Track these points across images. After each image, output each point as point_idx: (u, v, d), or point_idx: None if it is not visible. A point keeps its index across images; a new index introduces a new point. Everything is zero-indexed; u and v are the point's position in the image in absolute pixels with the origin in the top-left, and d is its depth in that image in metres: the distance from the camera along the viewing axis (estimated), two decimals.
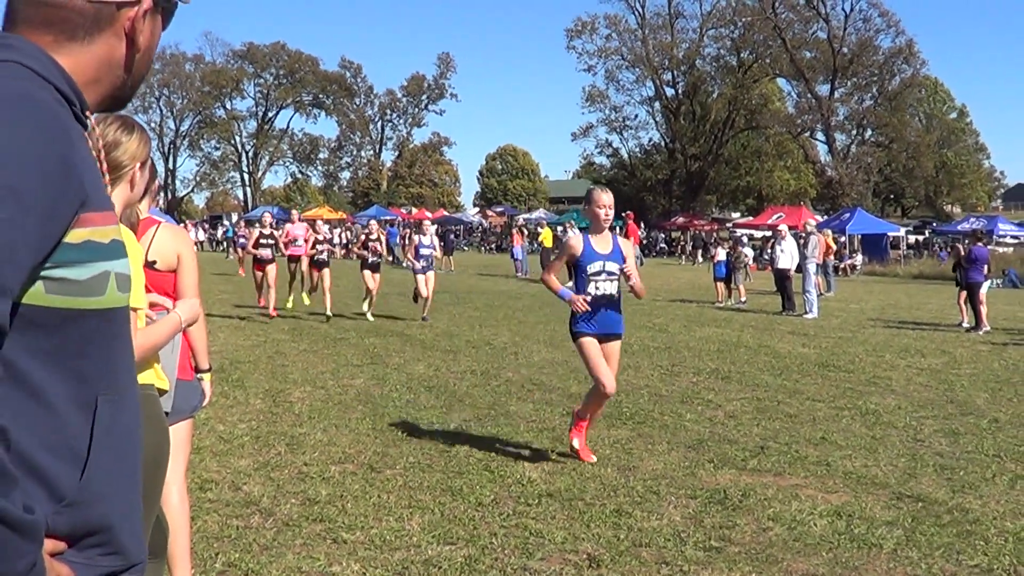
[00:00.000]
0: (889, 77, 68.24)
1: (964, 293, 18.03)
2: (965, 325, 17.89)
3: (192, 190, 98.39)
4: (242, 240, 35.88)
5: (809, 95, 67.92)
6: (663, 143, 76.40)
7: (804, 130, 69.63)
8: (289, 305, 18.79)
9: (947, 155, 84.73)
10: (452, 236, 52.65)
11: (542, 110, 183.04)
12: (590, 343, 7.03)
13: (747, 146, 74.80)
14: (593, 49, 74.34)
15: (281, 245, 18.59)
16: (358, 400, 9.68)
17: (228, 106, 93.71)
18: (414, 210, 72.88)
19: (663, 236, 62.74)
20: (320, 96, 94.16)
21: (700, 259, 49.83)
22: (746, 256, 24.50)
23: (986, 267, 18.01)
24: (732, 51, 71.67)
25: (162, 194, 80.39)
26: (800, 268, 21.02)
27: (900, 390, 10.61)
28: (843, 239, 43.19)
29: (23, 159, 1.22)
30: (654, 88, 74.47)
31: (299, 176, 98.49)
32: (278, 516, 5.81)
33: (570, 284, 8.47)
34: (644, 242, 48.94)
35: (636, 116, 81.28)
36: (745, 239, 28.27)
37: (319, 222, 21.21)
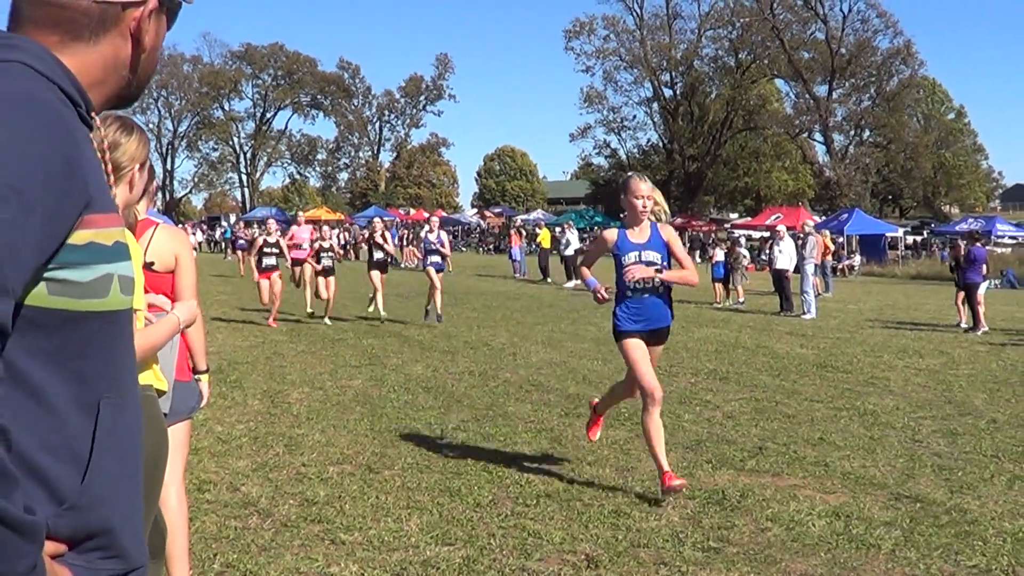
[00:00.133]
0: (887, 78, 68.26)
1: (962, 294, 18.07)
2: (963, 325, 17.91)
3: (190, 191, 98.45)
4: (242, 242, 35.80)
5: (807, 96, 67.94)
6: (661, 144, 76.40)
7: (802, 131, 69.67)
8: (309, 310, 18.46)
9: (945, 156, 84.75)
10: (450, 237, 52.64)
11: (540, 111, 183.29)
12: (634, 345, 6.44)
13: (745, 147, 74.84)
14: (591, 50, 74.43)
15: (285, 250, 18.23)
16: (356, 401, 9.68)
17: (226, 107, 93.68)
18: (412, 211, 72.87)
19: None
20: (318, 97, 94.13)
21: (697, 260, 49.83)
22: (744, 257, 24.51)
23: (984, 267, 18.02)
24: (730, 52, 71.68)
25: (160, 195, 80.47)
26: (798, 269, 21.04)
27: (898, 391, 10.61)
28: (841, 240, 43.21)
29: (27, 160, 1.22)
30: (652, 89, 74.53)
31: (297, 177, 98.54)
32: (276, 517, 5.80)
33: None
34: None
35: (634, 117, 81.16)
36: (743, 240, 28.29)
37: (325, 228, 20.72)
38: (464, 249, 63.56)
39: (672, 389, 10.53)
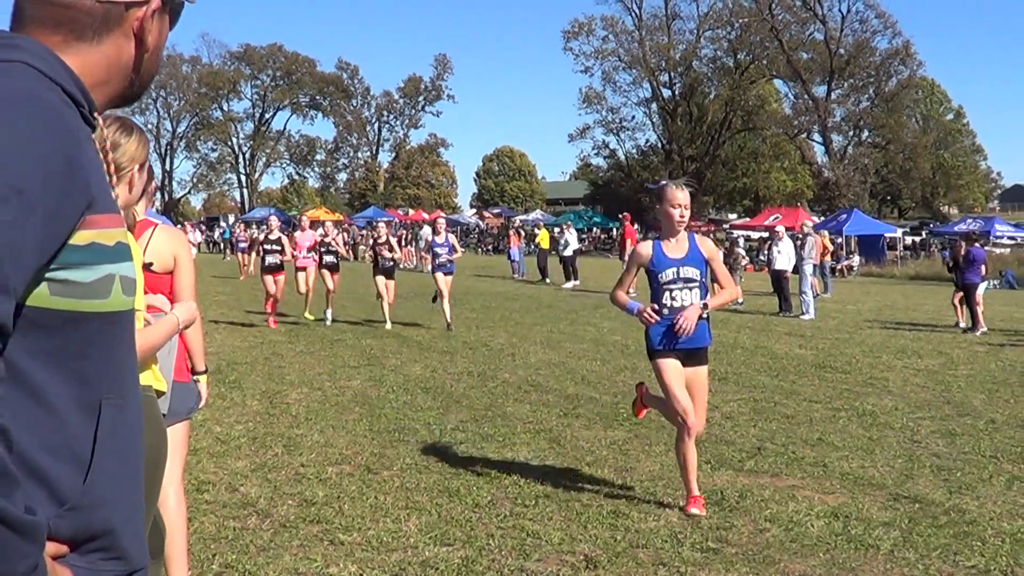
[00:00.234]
0: (886, 78, 68.32)
1: (959, 294, 18.08)
2: (961, 325, 17.92)
3: (189, 192, 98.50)
4: (242, 245, 35.71)
5: (806, 96, 68.03)
6: (660, 144, 76.43)
7: (801, 131, 69.76)
8: (308, 316, 17.82)
9: (944, 156, 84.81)
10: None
11: (539, 111, 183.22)
12: (668, 365, 6.03)
13: (744, 147, 74.89)
14: (590, 50, 74.47)
15: (287, 246, 17.41)
16: (355, 401, 9.68)
17: (225, 107, 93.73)
18: (411, 211, 72.86)
19: None
20: (317, 97, 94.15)
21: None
22: (743, 258, 24.52)
23: (983, 268, 18.03)
24: (729, 52, 71.75)
25: (159, 195, 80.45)
26: (797, 269, 21.04)
27: (897, 391, 10.61)
28: (840, 240, 43.21)
29: (29, 160, 1.22)
30: (651, 89, 74.58)
31: (296, 178, 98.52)
32: (275, 517, 5.80)
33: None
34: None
35: (633, 117, 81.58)
36: (741, 240, 28.29)
37: (329, 224, 20.25)
38: (463, 249, 63.45)
39: None
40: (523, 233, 46.08)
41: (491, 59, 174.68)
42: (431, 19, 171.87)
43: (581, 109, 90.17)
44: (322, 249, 17.86)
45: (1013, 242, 47.28)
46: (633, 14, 73.47)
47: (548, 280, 31.59)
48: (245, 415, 8.92)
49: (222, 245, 55.78)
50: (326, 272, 17.66)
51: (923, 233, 57.41)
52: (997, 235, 46.26)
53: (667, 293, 6.04)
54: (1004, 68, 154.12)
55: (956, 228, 45.51)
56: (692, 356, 6.10)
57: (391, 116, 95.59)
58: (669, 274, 6.04)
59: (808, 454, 7.51)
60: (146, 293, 3.50)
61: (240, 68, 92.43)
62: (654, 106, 75.45)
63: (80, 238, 1.31)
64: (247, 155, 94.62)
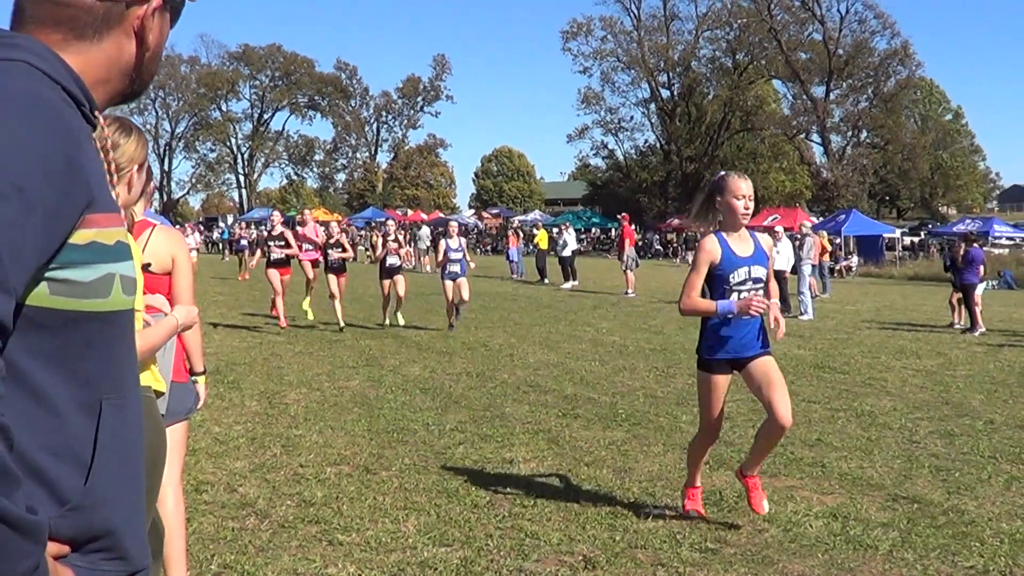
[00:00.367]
0: (884, 79, 68.37)
1: (957, 294, 18.10)
2: (957, 326, 17.94)
3: (188, 192, 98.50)
4: (243, 244, 35.66)
5: (804, 97, 68.08)
6: (658, 145, 76.45)
7: (799, 132, 69.81)
8: (310, 317, 17.04)
9: (942, 157, 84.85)
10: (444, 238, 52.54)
11: (538, 112, 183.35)
12: (720, 385, 5.58)
13: (743, 148, 74.88)
14: (588, 51, 74.52)
15: (292, 241, 16.56)
16: (354, 402, 9.68)
17: (224, 108, 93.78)
18: (409, 212, 72.89)
19: (658, 238, 62.76)
20: (316, 98, 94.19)
21: (691, 261, 49.77)
22: None
23: (981, 268, 18.04)
24: (727, 53, 71.80)
25: (157, 196, 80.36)
26: (796, 270, 21.04)
27: (896, 392, 10.62)
28: (839, 241, 43.25)
29: (29, 159, 1.22)
30: (649, 90, 74.61)
31: (295, 178, 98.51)
32: (274, 518, 5.80)
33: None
34: (640, 244, 48.98)
35: (632, 118, 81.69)
36: None
37: (333, 224, 19.45)
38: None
39: (669, 390, 10.54)
40: (522, 233, 46.05)
41: (490, 59, 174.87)
42: (430, 20, 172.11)
43: (580, 109, 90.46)
44: (327, 250, 16.90)
45: (1012, 242, 47.28)
46: (632, 14, 73.61)
47: (547, 280, 31.59)
48: (244, 415, 8.92)
49: (221, 246, 55.76)
50: (332, 276, 16.58)
51: (922, 234, 57.43)
52: (996, 235, 46.27)
53: (735, 296, 5.44)
54: (1003, 68, 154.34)
55: (955, 228, 45.53)
56: (745, 360, 5.56)
57: (390, 116, 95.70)
58: (741, 274, 5.47)
59: (807, 454, 7.51)
60: (145, 294, 3.51)
61: (239, 68, 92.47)
62: (653, 106, 75.51)
63: (80, 237, 1.31)
64: (246, 155, 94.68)
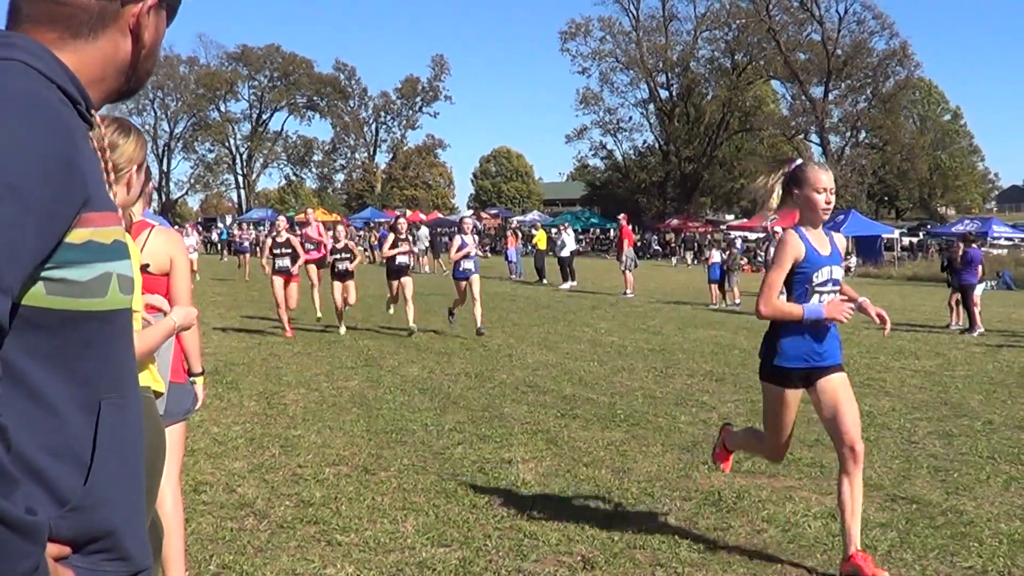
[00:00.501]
0: (883, 79, 68.32)
1: (956, 295, 18.10)
2: (954, 327, 17.94)
3: (186, 192, 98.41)
4: (244, 245, 35.58)
5: (803, 97, 68.07)
6: (657, 145, 76.46)
7: (798, 132, 69.81)
8: (319, 315, 16.64)
9: (941, 157, 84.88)
10: (443, 238, 52.55)
11: (536, 112, 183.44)
12: (793, 399, 5.00)
13: (741, 148, 74.93)
14: (587, 51, 74.50)
15: (299, 249, 15.99)
16: (352, 402, 9.67)
17: (222, 108, 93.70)
18: (408, 212, 72.90)
19: (656, 238, 62.79)
20: (314, 98, 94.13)
21: (690, 261, 49.86)
22: (742, 259, 24.55)
23: (980, 269, 18.05)
24: (726, 53, 71.81)
25: (156, 196, 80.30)
26: None
27: (894, 392, 10.62)
28: None
29: (25, 158, 1.22)
30: (648, 90, 74.61)
31: (293, 178, 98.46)
32: (272, 518, 5.80)
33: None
34: (638, 244, 49.03)
35: (630, 118, 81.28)
36: (739, 241, 28.30)
37: (339, 227, 18.79)
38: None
39: (668, 390, 10.54)
40: (520, 234, 46.08)
41: (488, 60, 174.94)
42: (428, 20, 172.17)
43: (578, 110, 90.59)
44: (335, 256, 16.12)
45: (1010, 243, 47.36)
46: (630, 15, 73.58)
47: (545, 281, 31.61)
48: (242, 416, 8.92)
49: (219, 246, 55.71)
50: (337, 283, 15.97)
51: (920, 234, 57.51)
52: (994, 236, 46.34)
53: (816, 297, 4.94)
54: (1002, 69, 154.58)
55: (953, 229, 45.58)
56: (821, 371, 4.95)
57: (388, 117, 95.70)
58: (824, 273, 4.96)
59: (805, 455, 7.51)
60: (144, 294, 3.51)
61: (237, 69, 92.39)
62: (651, 107, 75.53)
63: (77, 236, 1.30)
64: (244, 156, 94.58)
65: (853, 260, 44.27)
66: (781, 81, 71.76)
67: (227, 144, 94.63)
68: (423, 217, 62.45)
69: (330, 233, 18.08)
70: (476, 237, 16.59)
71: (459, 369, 11.96)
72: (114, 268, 1.37)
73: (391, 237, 16.11)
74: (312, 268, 16.70)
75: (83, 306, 1.33)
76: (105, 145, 1.53)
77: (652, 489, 6.51)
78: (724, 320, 19.35)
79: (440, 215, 73.14)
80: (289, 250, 15.77)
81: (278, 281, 15.53)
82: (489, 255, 47.72)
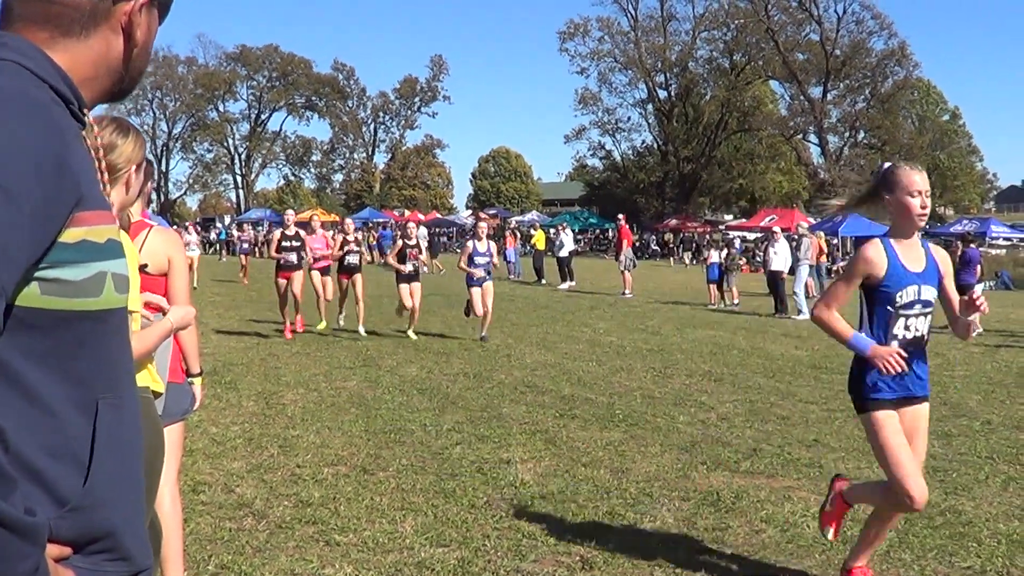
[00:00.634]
0: (882, 79, 68.32)
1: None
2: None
3: (185, 192, 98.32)
4: (244, 246, 35.51)
5: (802, 97, 68.05)
6: (656, 145, 76.39)
7: (797, 132, 69.79)
8: (321, 326, 15.96)
9: (940, 157, 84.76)
10: (441, 238, 52.66)
11: (535, 112, 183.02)
12: (888, 420, 4.35)
13: (740, 148, 74.88)
14: (586, 51, 74.41)
15: (307, 243, 15.68)
16: (351, 402, 9.67)
17: (221, 108, 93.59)
18: (407, 212, 72.88)
19: (655, 238, 62.80)
20: (313, 98, 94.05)
21: (688, 261, 49.89)
22: (740, 260, 24.57)
23: (978, 269, 18.05)
24: (725, 53, 71.76)
25: (155, 196, 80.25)
26: (793, 270, 21.06)
27: None
28: (836, 241, 43.24)
29: (17, 158, 1.22)
30: (647, 90, 74.53)
31: (292, 178, 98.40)
32: (271, 518, 5.80)
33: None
34: (637, 244, 49.05)
35: (629, 118, 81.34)
36: (737, 242, 28.31)
37: (348, 220, 18.36)
38: (459, 250, 63.45)
39: (667, 391, 10.54)
40: (519, 234, 46.09)
41: (487, 60, 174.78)
42: (427, 20, 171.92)
43: (577, 110, 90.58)
44: (344, 250, 15.96)
45: (1009, 243, 47.37)
46: (629, 15, 73.53)
47: (544, 281, 31.62)
48: (241, 416, 8.91)
49: (218, 247, 55.68)
50: (343, 278, 15.95)
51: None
52: (993, 236, 46.35)
53: (902, 321, 4.45)
54: (1001, 69, 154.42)
55: (952, 229, 45.59)
56: (907, 400, 4.47)
57: (387, 117, 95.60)
58: (910, 293, 4.39)
59: (804, 455, 7.51)
60: (143, 293, 3.50)
61: (236, 69, 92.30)
62: (650, 107, 75.44)
63: (70, 236, 1.30)
64: (243, 156, 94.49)
65: None
66: (780, 81, 71.76)
67: (225, 144, 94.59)
68: (421, 217, 62.43)
69: (337, 230, 17.64)
70: (493, 244, 15.75)
71: (458, 369, 11.96)
72: (109, 267, 1.37)
73: (399, 243, 15.61)
74: (316, 275, 16.21)
75: (77, 306, 1.33)
76: (99, 144, 1.53)
77: (650, 489, 6.51)
78: (723, 320, 19.35)
79: (439, 215, 73.16)
80: (298, 243, 15.44)
81: (282, 282, 15.32)
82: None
